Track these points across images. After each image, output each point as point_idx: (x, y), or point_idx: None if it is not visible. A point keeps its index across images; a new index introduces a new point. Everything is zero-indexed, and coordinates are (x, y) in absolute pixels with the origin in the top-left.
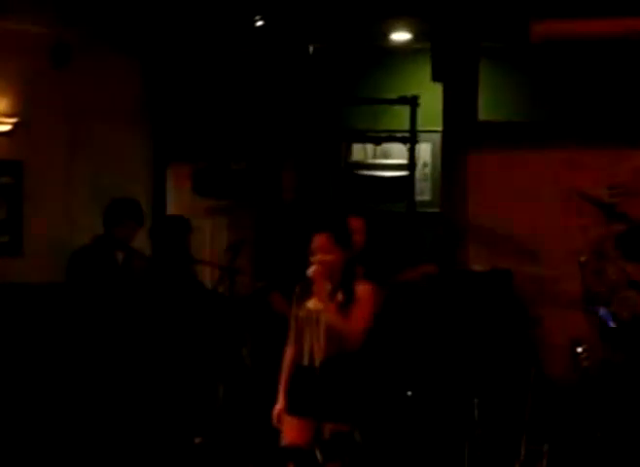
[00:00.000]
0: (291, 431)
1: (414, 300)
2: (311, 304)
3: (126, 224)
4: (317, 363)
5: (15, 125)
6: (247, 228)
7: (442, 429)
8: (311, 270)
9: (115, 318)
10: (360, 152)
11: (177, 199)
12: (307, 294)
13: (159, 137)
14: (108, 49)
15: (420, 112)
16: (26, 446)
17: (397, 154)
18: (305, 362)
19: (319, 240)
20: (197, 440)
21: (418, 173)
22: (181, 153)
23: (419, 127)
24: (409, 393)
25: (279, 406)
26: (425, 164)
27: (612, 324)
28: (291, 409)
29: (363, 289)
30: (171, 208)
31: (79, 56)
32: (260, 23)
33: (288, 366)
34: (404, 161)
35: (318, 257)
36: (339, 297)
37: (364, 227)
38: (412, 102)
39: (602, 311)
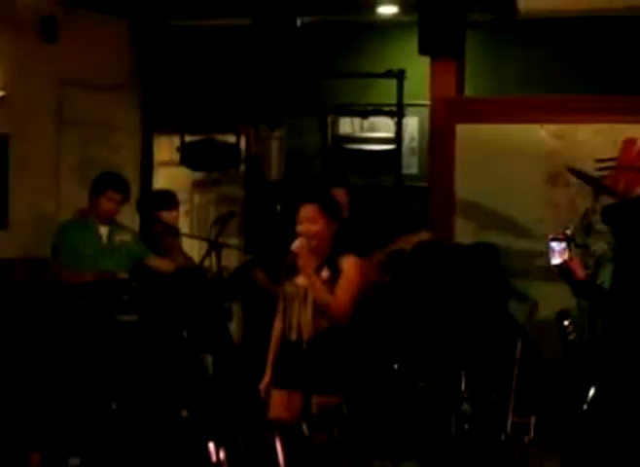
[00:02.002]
0: (278, 405)
1: (400, 272)
2: (300, 279)
3: (111, 198)
4: (305, 338)
5: (1, 98)
6: (235, 201)
7: (428, 402)
8: (295, 246)
9: (99, 294)
10: (347, 125)
11: (164, 172)
12: (295, 269)
13: (146, 109)
14: (96, 18)
15: (407, 85)
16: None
17: (384, 127)
18: (293, 337)
19: (306, 210)
20: (185, 413)
21: (405, 147)
22: (169, 125)
23: (406, 101)
24: (396, 366)
25: (267, 379)
26: (412, 138)
27: (555, 261)
28: (278, 382)
29: (349, 262)
30: (158, 180)
31: (66, 27)
32: None
33: (276, 340)
34: (391, 135)
35: (304, 227)
36: (325, 272)
37: (348, 198)
38: (399, 76)
39: (553, 245)
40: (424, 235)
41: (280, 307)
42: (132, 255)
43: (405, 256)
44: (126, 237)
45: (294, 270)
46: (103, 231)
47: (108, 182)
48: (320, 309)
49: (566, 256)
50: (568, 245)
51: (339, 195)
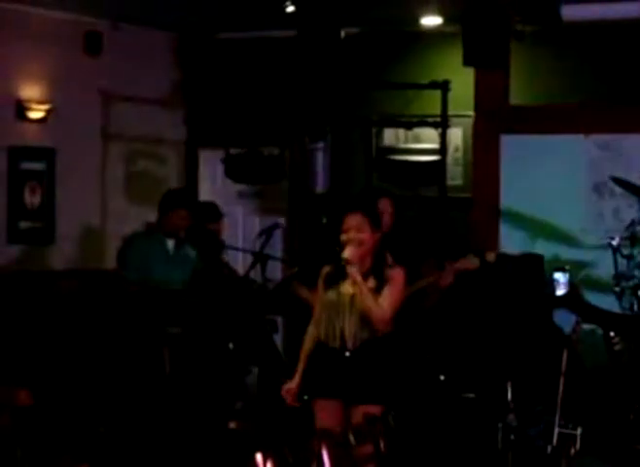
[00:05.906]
0: (324, 415)
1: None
2: (345, 287)
3: (182, 214)
4: (349, 346)
5: (47, 111)
6: (279, 213)
7: (475, 413)
8: (347, 253)
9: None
10: (391, 137)
11: (209, 184)
12: (339, 277)
13: (191, 122)
14: (140, 32)
15: (451, 96)
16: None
17: (428, 138)
18: (337, 345)
19: (352, 219)
20: (232, 424)
21: (450, 158)
22: (213, 137)
23: (450, 112)
24: (442, 377)
25: (294, 385)
26: (457, 149)
27: (560, 292)
28: (320, 391)
29: (394, 272)
30: (203, 193)
31: (111, 41)
32: (291, 9)
33: (309, 347)
34: (435, 146)
35: (352, 234)
36: (371, 281)
37: (392, 208)
38: (444, 87)
39: (557, 276)
40: (470, 264)
41: (317, 315)
42: (194, 268)
43: None
44: (189, 252)
45: (337, 278)
46: (170, 244)
47: (179, 200)
48: (366, 319)
49: (569, 287)
50: (570, 276)
51: (385, 205)
